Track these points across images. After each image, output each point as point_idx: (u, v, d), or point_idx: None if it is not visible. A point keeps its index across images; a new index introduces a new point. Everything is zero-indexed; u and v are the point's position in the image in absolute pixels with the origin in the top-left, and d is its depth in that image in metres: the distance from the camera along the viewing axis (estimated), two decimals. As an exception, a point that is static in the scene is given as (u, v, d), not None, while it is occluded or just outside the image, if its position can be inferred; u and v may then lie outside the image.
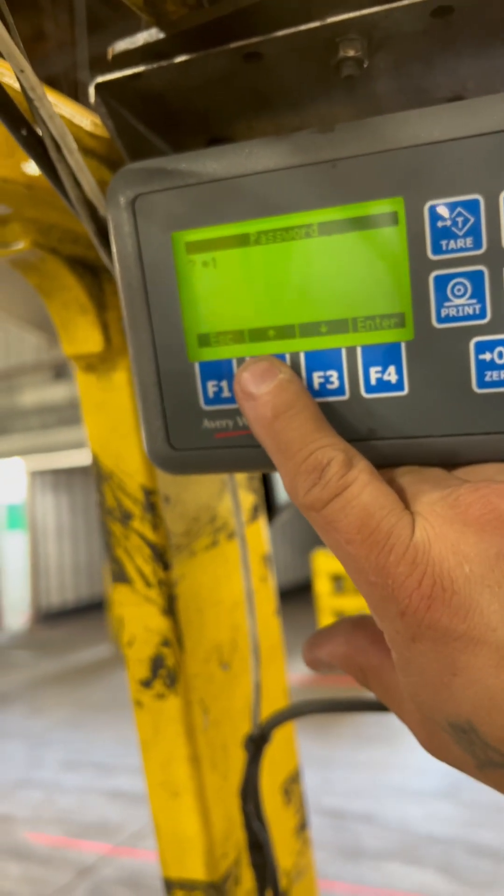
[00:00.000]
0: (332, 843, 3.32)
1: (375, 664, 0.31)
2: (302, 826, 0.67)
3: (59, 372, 8.31)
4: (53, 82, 0.42)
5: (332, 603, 6.13)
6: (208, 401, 0.34)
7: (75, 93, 0.45)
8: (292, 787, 0.66)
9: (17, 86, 0.35)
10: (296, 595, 8.60)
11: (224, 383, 0.33)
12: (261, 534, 0.65)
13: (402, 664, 0.27)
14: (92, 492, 10.33)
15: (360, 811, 3.63)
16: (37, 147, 0.32)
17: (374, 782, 3.93)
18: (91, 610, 9.84)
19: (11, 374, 8.52)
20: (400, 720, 0.31)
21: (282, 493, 0.71)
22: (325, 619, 6.16)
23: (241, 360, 0.33)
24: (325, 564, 6.16)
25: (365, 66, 0.33)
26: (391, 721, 4.64)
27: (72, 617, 9.83)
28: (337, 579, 6.24)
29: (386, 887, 2.98)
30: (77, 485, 10.32)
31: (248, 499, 0.63)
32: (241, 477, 0.62)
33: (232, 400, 0.33)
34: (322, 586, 6.16)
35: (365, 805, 3.69)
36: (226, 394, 0.33)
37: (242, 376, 0.31)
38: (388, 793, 3.80)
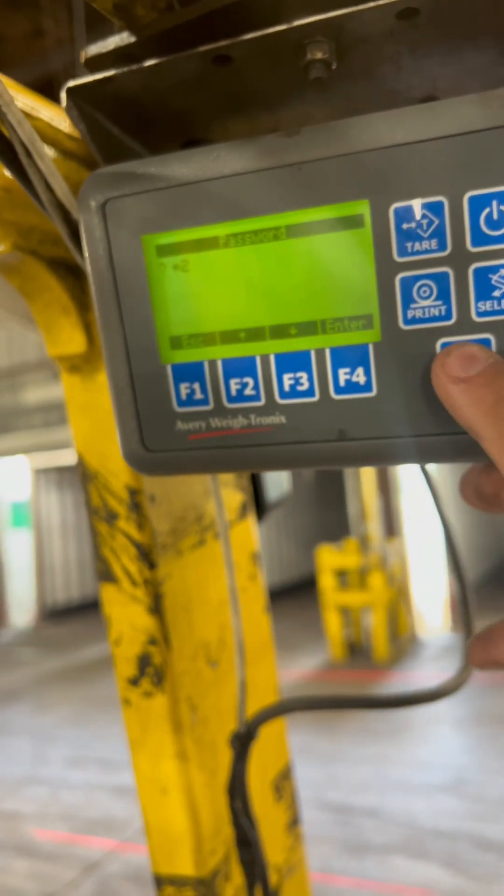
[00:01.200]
0: (337, 837, 3.33)
1: None
2: (293, 822, 0.67)
3: (62, 370, 8.30)
4: (52, 81, 0.42)
5: (336, 598, 6.14)
6: (181, 402, 0.34)
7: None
8: (283, 783, 0.66)
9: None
10: (300, 591, 8.61)
11: (196, 385, 0.33)
12: (250, 532, 0.65)
13: None
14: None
15: (365, 805, 3.64)
16: (7, 152, 0.32)
17: (379, 777, 3.94)
18: (96, 607, 9.85)
19: (14, 371, 8.53)
20: None
21: (271, 491, 0.71)
22: (330, 614, 6.17)
23: (212, 363, 0.33)
24: (329, 560, 6.16)
25: (333, 68, 0.33)
26: (396, 715, 4.65)
27: (77, 614, 9.86)
28: (341, 575, 6.24)
29: (391, 882, 2.99)
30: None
31: (235, 497, 0.63)
32: (228, 476, 0.62)
33: (205, 402, 0.34)
34: (326, 581, 6.16)
35: (370, 799, 3.70)
36: (198, 395, 0.34)
37: (447, 362, 0.28)
38: (393, 787, 3.80)
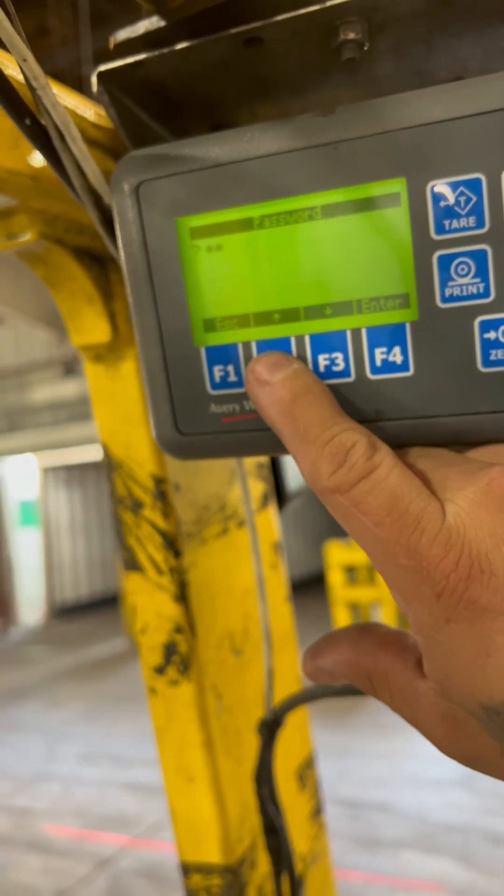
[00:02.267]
0: (349, 832, 3.33)
1: (384, 668, 0.30)
2: (317, 811, 0.67)
3: (70, 368, 8.34)
4: (58, 77, 0.42)
5: (345, 594, 6.14)
6: (215, 385, 0.34)
7: (80, 87, 0.45)
8: (307, 772, 0.66)
9: (19, 76, 0.36)
10: (309, 587, 8.61)
11: (230, 367, 0.33)
12: (271, 522, 0.65)
13: (431, 649, 0.27)
14: (104, 487, 10.37)
15: (377, 800, 3.64)
16: (41, 136, 0.32)
17: (391, 771, 3.94)
18: (105, 604, 9.89)
19: (22, 370, 8.56)
20: (410, 723, 0.30)
21: (292, 481, 0.71)
22: (339, 610, 6.17)
23: (246, 345, 0.33)
24: (338, 556, 6.16)
25: (365, 48, 0.33)
26: (406, 711, 4.64)
27: (86, 611, 9.89)
28: (350, 570, 6.24)
29: (403, 876, 2.99)
30: (90, 480, 10.36)
31: (257, 487, 0.63)
32: (250, 465, 0.62)
33: (239, 384, 0.34)
34: (335, 577, 6.16)
35: (381, 794, 3.70)
36: (232, 378, 0.34)
37: (255, 367, 0.31)
38: (404, 782, 3.81)
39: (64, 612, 9.80)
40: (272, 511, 0.66)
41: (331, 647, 0.33)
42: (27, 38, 0.30)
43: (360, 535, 0.28)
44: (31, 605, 9.56)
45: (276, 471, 0.68)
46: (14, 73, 0.36)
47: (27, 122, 0.31)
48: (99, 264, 0.50)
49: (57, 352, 8.27)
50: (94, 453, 8.62)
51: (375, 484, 0.27)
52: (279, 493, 0.69)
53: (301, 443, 0.29)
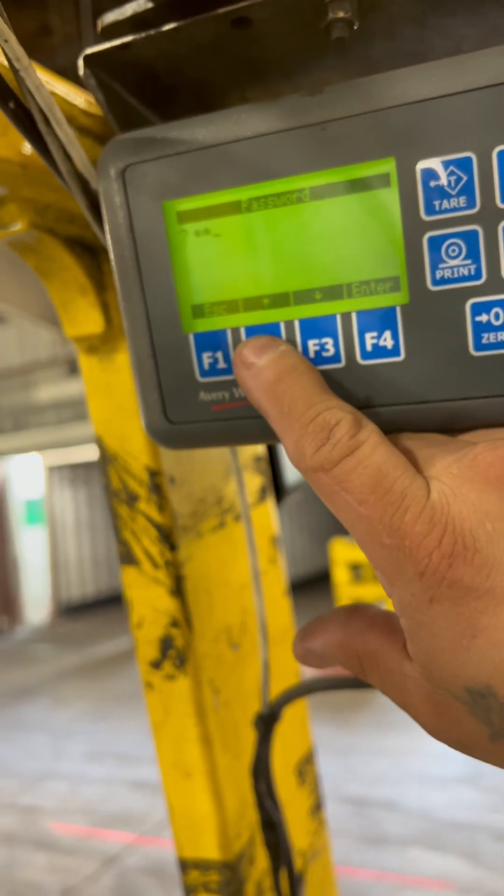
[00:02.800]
0: (355, 830, 3.33)
1: (373, 648, 0.30)
2: (317, 807, 0.67)
3: (74, 367, 8.34)
4: (60, 75, 0.42)
5: (350, 592, 6.13)
6: (204, 372, 0.33)
7: (81, 85, 0.44)
8: (306, 768, 0.66)
9: (2, 60, 0.35)
10: (314, 584, 8.60)
11: (219, 354, 0.33)
12: (269, 515, 0.64)
13: (415, 630, 0.27)
14: (109, 486, 10.36)
15: (383, 798, 3.63)
16: (25, 120, 0.32)
17: (396, 769, 3.93)
18: (111, 603, 9.90)
19: (27, 369, 8.56)
20: (400, 706, 0.30)
21: (290, 475, 0.70)
22: (345, 607, 6.15)
23: (235, 331, 0.32)
24: (343, 553, 6.15)
25: (355, 27, 0.32)
26: (412, 708, 4.63)
27: (92, 610, 9.90)
28: (355, 568, 6.23)
29: (409, 873, 2.98)
30: (95, 479, 10.36)
31: (255, 480, 0.63)
32: (247, 458, 0.61)
33: (228, 371, 0.33)
34: (340, 575, 6.16)
35: (387, 792, 3.69)
36: (221, 365, 0.33)
37: (242, 351, 0.31)
38: (410, 779, 3.80)
39: (69, 611, 9.82)
40: (270, 505, 0.65)
41: (321, 628, 0.32)
42: (28, 37, 0.29)
43: (344, 514, 0.27)
44: (36, 603, 9.58)
45: (274, 464, 0.68)
46: None
47: (11, 105, 0.31)
48: (91, 254, 0.49)
49: (61, 350, 8.27)
50: (98, 452, 8.61)
51: (359, 462, 0.27)
52: (277, 486, 0.68)
53: (286, 421, 0.29)
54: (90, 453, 8.86)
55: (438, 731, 0.28)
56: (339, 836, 3.22)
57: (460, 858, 3.05)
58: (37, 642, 8.42)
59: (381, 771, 3.93)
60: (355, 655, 0.31)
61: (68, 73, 0.43)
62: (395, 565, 0.26)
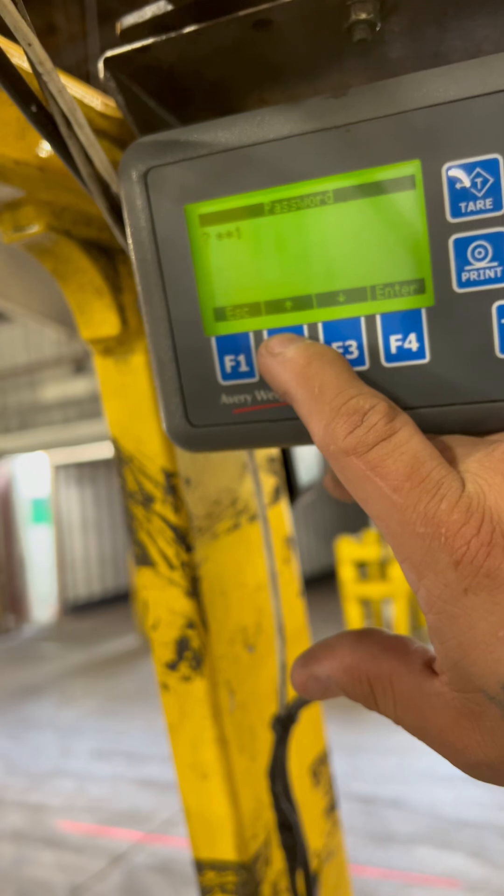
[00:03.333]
0: (362, 828, 3.33)
1: (387, 672, 0.29)
2: (331, 807, 0.67)
3: (80, 366, 8.36)
4: (65, 72, 0.42)
5: (356, 590, 6.12)
6: (226, 376, 0.33)
7: (87, 84, 0.44)
8: (320, 768, 0.66)
9: (25, 65, 0.35)
10: (320, 583, 8.60)
11: (241, 357, 0.33)
12: (283, 516, 0.64)
13: (446, 625, 0.25)
14: (116, 484, 10.39)
15: (390, 796, 3.63)
16: (47, 124, 0.32)
17: (403, 767, 3.93)
18: (117, 601, 9.92)
19: (33, 368, 8.58)
20: (417, 732, 0.28)
21: (303, 476, 0.70)
22: (350, 606, 6.16)
23: (258, 333, 0.32)
24: (349, 551, 6.15)
25: (377, 29, 0.32)
26: (419, 706, 4.63)
27: (98, 608, 9.92)
28: (361, 566, 6.22)
29: (417, 871, 2.98)
30: (100, 477, 10.38)
31: (269, 481, 0.63)
32: (261, 459, 0.61)
33: (250, 374, 0.33)
34: (346, 574, 6.15)
35: (394, 790, 3.69)
36: (243, 368, 0.33)
37: (269, 343, 0.31)
38: (417, 777, 3.80)
39: (76, 609, 9.84)
40: (284, 505, 0.65)
41: (327, 652, 0.31)
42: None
43: (374, 502, 0.27)
44: (43, 602, 9.60)
45: (287, 465, 0.68)
46: (20, 61, 0.36)
47: (33, 108, 0.31)
48: (107, 256, 0.49)
49: (67, 350, 8.28)
50: (104, 451, 8.64)
51: (395, 447, 0.26)
52: (291, 487, 0.68)
53: (315, 404, 0.28)
54: (96, 452, 8.88)
55: (467, 751, 0.26)
56: (347, 835, 3.21)
57: (467, 857, 3.04)
58: (43, 641, 8.44)
59: (388, 769, 3.93)
60: (365, 680, 0.29)
61: (73, 72, 0.43)
62: (427, 555, 0.25)
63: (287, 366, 0.30)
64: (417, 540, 0.25)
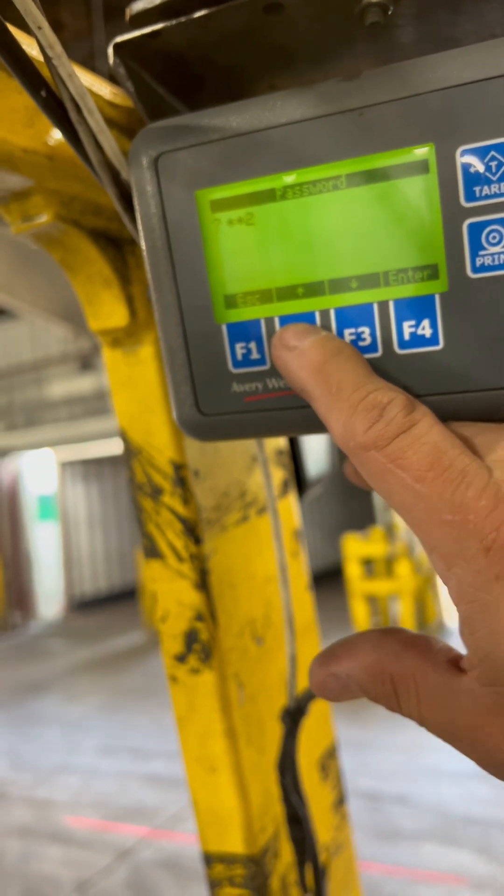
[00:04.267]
0: (369, 824, 3.33)
1: (411, 670, 0.28)
2: (340, 801, 0.67)
3: (86, 363, 8.37)
4: None
5: (362, 587, 6.12)
6: (237, 363, 0.33)
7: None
8: (329, 762, 0.66)
9: (35, 53, 0.35)
10: (326, 579, 8.60)
11: (252, 345, 0.33)
12: (291, 509, 0.64)
13: (477, 613, 0.25)
14: (122, 481, 10.41)
15: (396, 793, 3.63)
16: (56, 109, 0.31)
17: (410, 764, 3.93)
18: (124, 598, 9.94)
19: (39, 366, 8.59)
20: (442, 733, 0.27)
21: (312, 469, 0.70)
22: (356, 603, 6.15)
23: (269, 321, 0.32)
24: (355, 548, 6.14)
25: (390, 12, 0.32)
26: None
27: (105, 605, 9.95)
28: (367, 563, 6.22)
29: (422, 868, 2.98)
30: (106, 474, 10.40)
31: (277, 474, 0.62)
32: (270, 451, 0.61)
33: (261, 362, 0.33)
34: (352, 570, 6.15)
35: (401, 786, 3.69)
36: (255, 355, 0.33)
37: (283, 334, 0.31)
38: (423, 774, 3.79)
39: (82, 606, 9.86)
40: (292, 498, 0.65)
41: (347, 651, 0.30)
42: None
43: (398, 494, 0.27)
44: (49, 598, 9.63)
45: (295, 458, 0.68)
46: (29, 49, 0.36)
47: (43, 94, 0.31)
48: (116, 247, 0.49)
49: (73, 347, 8.29)
50: (111, 448, 8.65)
51: (416, 438, 0.26)
52: (299, 480, 0.68)
53: (334, 401, 0.28)
54: (102, 449, 8.89)
55: (499, 750, 0.25)
56: (353, 831, 3.22)
57: (473, 853, 3.04)
58: (50, 637, 8.46)
59: (395, 766, 3.92)
60: (388, 679, 0.29)
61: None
62: (456, 543, 0.25)
63: (304, 362, 0.30)
64: (445, 528, 0.25)
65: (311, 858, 0.54)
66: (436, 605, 6.61)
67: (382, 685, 0.29)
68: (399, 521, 6.70)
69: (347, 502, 10.60)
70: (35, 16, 0.27)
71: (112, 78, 0.42)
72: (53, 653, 7.55)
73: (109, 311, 0.49)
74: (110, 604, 9.96)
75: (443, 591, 6.86)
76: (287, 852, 0.57)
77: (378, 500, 7.48)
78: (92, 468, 10.22)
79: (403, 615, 6.03)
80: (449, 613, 6.83)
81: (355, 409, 0.28)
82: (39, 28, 0.28)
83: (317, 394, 0.29)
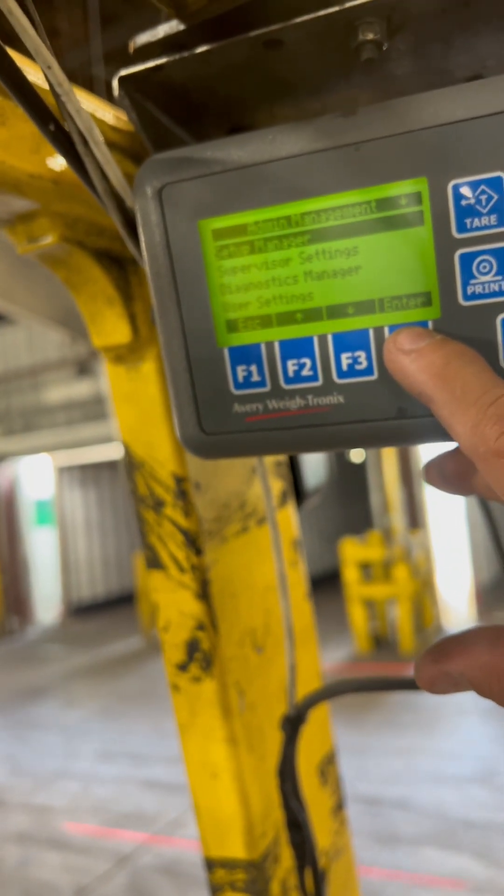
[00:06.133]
0: (368, 829, 3.33)
1: None
2: (339, 806, 0.68)
3: (83, 368, 8.38)
4: (69, 78, 0.43)
5: (360, 591, 6.13)
6: (238, 385, 0.34)
7: (90, 88, 0.45)
8: (328, 768, 0.67)
9: (41, 83, 0.36)
10: (324, 584, 8.61)
11: (253, 367, 0.34)
12: (290, 519, 0.65)
13: None
14: (119, 486, 10.42)
15: (396, 797, 3.64)
16: (64, 142, 0.33)
17: (409, 768, 3.94)
18: (121, 603, 9.93)
19: (36, 371, 8.60)
20: None
21: (310, 479, 0.71)
22: (354, 607, 6.16)
23: (269, 345, 0.33)
24: (353, 553, 6.16)
25: (384, 48, 0.33)
26: (425, 707, 4.64)
27: (102, 610, 9.93)
28: (365, 568, 6.23)
29: (422, 872, 2.99)
30: (104, 479, 10.40)
31: (276, 485, 0.64)
32: (269, 463, 0.62)
33: (262, 384, 0.34)
34: (350, 575, 6.16)
35: (400, 791, 3.69)
36: (255, 378, 0.34)
37: (398, 338, 0.30)
38: (423, 778, 3.80)
39: (80, 611, 9.85)
40: (291, 509, 0.66)
41: (460, 649, 0.30)
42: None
43: None
44: (47, 604, 9.62)
45: (294, 469, 0.69)
46: (36, 79, 0.37)
47: (51, 127, 0.32)
48: (119, 266, 0.50)
49: (70, 352, 8.30)
50: (108, 453, 8.66)
51: None
52: (297, 490, 0.69)
53: (459, 405, 0.27)
54: (99, 454, 8.89)
55: None
56: (352, 835, 3.22)
57: (473, 857, 3.05)
58: (47, 642, 8.45)
59: (394, 770, 3.93)
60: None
61: (76, 76, 0.44)
62: None
63: (423, 364, 0.29)
64: None
65: (311, 863, 0.55)
66: (433, 609, 6.62)
67: (498, 684, 0.28)
68: (396, 525, 6.72)
69: (345, 507, 10.61)
70: (45, 57, 0.29)
71: (109, 86, 0.44)
72: (51, 658, 7.54)
73: (112, 329, 0.51)
74: (108, 609, 9.95)
75: (440, 594, 6.88)
76: (287, 857, 0.58)
77: (375, 503, 7.49)
78: (89, 473, 10.22)
79: (401, 619, 6.04)
80: (446, 617, 6.84)
81: (484, 414, 0.26)
82: (49, 68, 0.29)
83: (438, 398, 0.28)
